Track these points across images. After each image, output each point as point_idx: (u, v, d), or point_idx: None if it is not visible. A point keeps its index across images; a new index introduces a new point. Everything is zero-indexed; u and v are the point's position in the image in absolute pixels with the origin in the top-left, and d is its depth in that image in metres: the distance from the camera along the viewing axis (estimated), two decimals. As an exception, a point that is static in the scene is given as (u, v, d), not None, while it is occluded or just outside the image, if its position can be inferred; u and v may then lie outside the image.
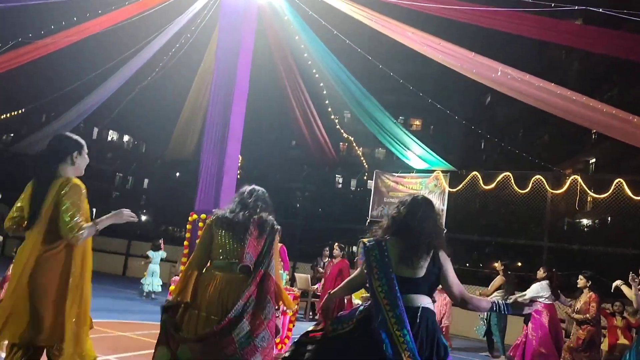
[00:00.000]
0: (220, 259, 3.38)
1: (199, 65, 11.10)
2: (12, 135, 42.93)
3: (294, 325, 6.90)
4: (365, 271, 2.98)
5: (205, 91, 10.76)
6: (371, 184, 13.90)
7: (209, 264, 3.49)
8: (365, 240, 3.07)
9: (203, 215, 7.42)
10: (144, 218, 43.24)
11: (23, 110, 17.13)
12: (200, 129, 12.21)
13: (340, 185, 38.74)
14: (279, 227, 3.59)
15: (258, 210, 3.51)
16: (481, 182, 11.29)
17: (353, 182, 37.19)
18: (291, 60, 9.81)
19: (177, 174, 45.98)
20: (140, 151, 52.77)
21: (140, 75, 12.01)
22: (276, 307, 3.50)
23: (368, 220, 12.84)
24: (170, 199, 39.85)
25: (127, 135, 52.32)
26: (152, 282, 11.33)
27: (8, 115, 17.62)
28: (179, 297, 3.33)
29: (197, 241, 3.66)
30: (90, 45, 12.55)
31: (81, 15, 9.25)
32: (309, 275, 11.66)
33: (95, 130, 44.60)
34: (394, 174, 12.70)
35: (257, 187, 3.70)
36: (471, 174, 11.45)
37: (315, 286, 10.95)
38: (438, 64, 8.57)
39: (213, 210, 7.17)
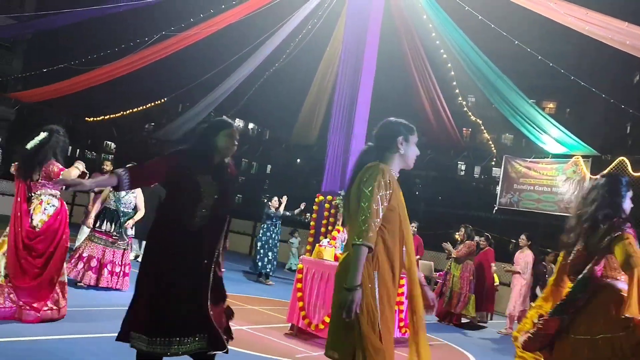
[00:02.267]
0: None
1: (324, 51, 11.26)
2: (152, 123, 47.16)
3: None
4: None
5: (330, 76, 10.88)
6: (497, 171, 13.18)
7: None
8: None
9: (329, 197, 7.54)
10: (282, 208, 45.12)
11: (164, 99, 18.67)
12: (325, 114, 12.44)
13: (462, 172, 37.41)
14: None
15: None
16: (630, 168, 10.16)
17: (477, 169, 35.67)
18: (418, 40, 9.57)
19: (299, 160, 47.53)
20: (264, 138, 55.30)
21: (266, 63, 12.49)
22: None
23: (495, 208, 12.22)
24: (292, 183, 41.36)
25: (252, 123, 55.07)
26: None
27: (151, 104, 19.35)
28: None
29: None
30: (223, 36, 13.27)
31: (217, 7, 9.81)
32: (432, 263, 11.42)
33: (223, 118, 47.45)
34: (525, 159, 11.91)
35: None
36: (618, 159, 10.35)
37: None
38: (578, 41, 7.88)
39: (339, 191, 7.29)
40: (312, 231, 7.81)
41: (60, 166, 4.84)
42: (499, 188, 12.37)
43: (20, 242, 4.65)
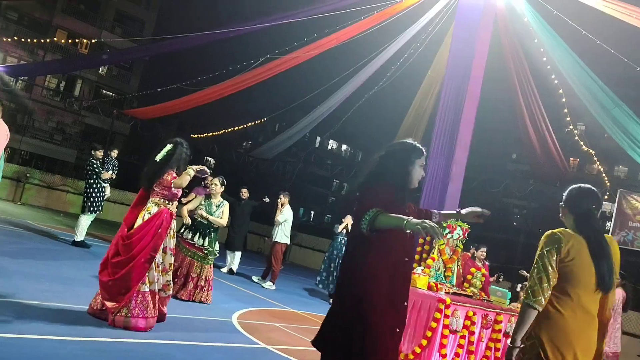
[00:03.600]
0: None
1: (424, 75, 11.12)
2: (250, 142, 49.14)
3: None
4: None
5: (430, 99, 10.71)
6: (609, 206, 12.16)
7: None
8: None
9: (425, 223, 7.34)
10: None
11: (264, 119, 19.37)
12: (422, 138, 12.24)
13: (567, 205, 34.97)
14: None
15: None
16: None
17: (584, 202, 33.21)
18: (526, 64, 9.16)
19: (391, 183, 47.08)
20: (357, 159, 55.61)
21: (364, 86, 12.55)
22: None
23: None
24: (382, 207, 41.05)
25: (345, 145, 55.65)
26: None
27: (251, 124, 20.16)
28: None
29: None
30: (325, 60, 13.58)
31: (320, 31, 10.05)
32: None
33: (318, 139, 48.49)
34: (644, 194, 10.90)
35: None
36: None
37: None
38: None
39: (437, 217, 7.08)
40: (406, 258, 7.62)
41: (174, 175, 5.08)
42: (610, 224, 11.39)
43: (117, 243, 4.93)
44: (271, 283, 10.26)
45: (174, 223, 5.22)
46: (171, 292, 5.22)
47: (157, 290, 4.94)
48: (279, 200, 10.56)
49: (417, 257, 7.34)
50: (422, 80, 11.03)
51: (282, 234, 10.47)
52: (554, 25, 8.11)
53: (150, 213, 5.00)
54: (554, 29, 8.16)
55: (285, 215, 10.49)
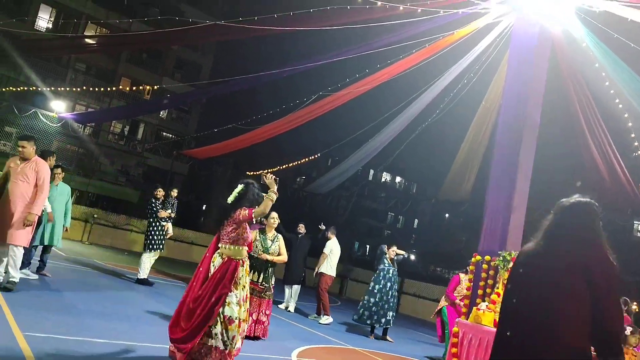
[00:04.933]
0: None
1: (478, 104, 10.96)
2: (303, 177, 49.70)
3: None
4: None
5: (486, 129, 10.51)
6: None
7: None
8: None
9: (487, 257, 7.08)
10: (412, 257, 44.52)
11: (318, 155, 19.57)
12: (478, 169, 11.97)
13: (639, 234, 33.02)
14: None
15: None
16: None
17: (659, 230, 31.26)
18: (587, 89, 8.85)
19: (447, 215, 46.11)
20: (411, 192, 54.96)
21: (417, 119, 12.50)
22: None
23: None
24: (439, 238, 40.18)
25: (399, 177, 55.22)
26: None
27: (305, 160, 20.42)
28: None
29: None
30: (376, 93, 13.68)
31: (372, 67, 10.17)
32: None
33: (371, 172, 48.41)
34: None
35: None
36: None
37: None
38: None
39: (499, 251, 6.82)
40: (468, 292, 7.36)
41: (247, 209, 4.82)
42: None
43: (189, 296, 4.69)
44: (327, 316, 10.14)
45: (242, 272, 4.84)
46: (238, 346, 4.73)
47: (222, 347, 4.57)
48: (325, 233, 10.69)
49: (480, 292, 7.08)
50: (476, 110, 10.87)
51: (328, 266, 10.47)
52: (615, 49, 7.84)
53: (215, 266, 4.75)
54: (615, 52, 7.88)
55: (330, 246, 10.52)
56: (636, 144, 9.31)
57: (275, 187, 4.93)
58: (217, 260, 4.79)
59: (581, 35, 7.86)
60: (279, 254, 7.48)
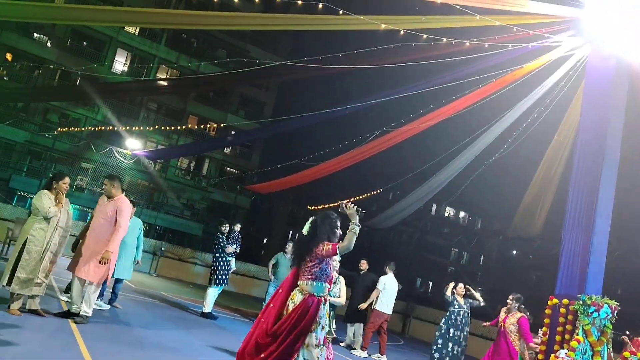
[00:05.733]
0: None
1: (550, 139, 10.55)
2: (364, 211, 49.34)
3: None
4: None
5: (558, 165, 10.06)
6: None
7: None
8: None
9: (565, 301, 6.65)
10: (477, 295, 42.66)
11: (380, 190, 19.43)
12: (550, 205, 11.43)
13: None
14: None
15: None
16: None
17: None
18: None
19: (515, 252, 44.14)
20: (476, 227, 53.23)
21: (483, 154, 12.16)
22: None
23: None
24: (508, 276, 38.37)
25: (463, 212, 53.76)
26: None
27: (367, 195, 20.31)
28: None
29: None
30: (441, 127, 13.47)
31: (436, 102, 10.06)
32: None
33: (434, 206, 47.44)
34: None
35: None
36: None
37: None
38: None
39: (578, 295, 6.39)
40: (545, 338, 6.92)
41: (329, 243, 4.52)
42: None
43: (255, 332, 4.45)
44: (379, 354, 9.89)
45: (324, 310, 4.47)
46: None
47: None
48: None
49: (558, 338, 6.64)
50: (548, 144, 10.45)
51: (380, 302, 10.18)
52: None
53: (294, 302, 4.42)
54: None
55: (384, 281, 10.24)
56: None
57: (357, 219, 4.55)
58: (297, 297, 4.43)
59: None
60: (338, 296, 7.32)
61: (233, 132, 32.26)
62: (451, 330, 9.16)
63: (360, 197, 20.41)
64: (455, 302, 9.34)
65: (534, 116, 10.03)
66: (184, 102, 35.02)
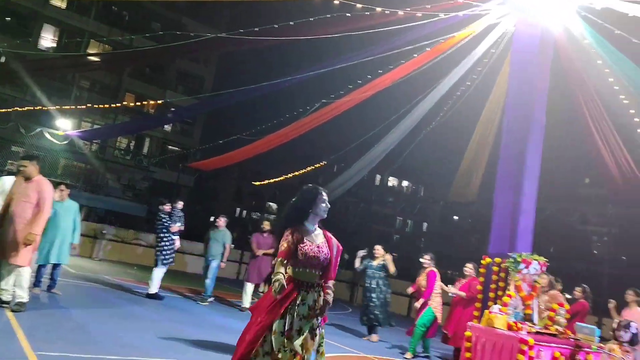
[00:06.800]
0: None
1: (482, 107, 10.93)
2: (310, 185, 49.58)
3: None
4: None
5: (491, 131, 10.48)
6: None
7: None
8: None
9: (498, 259, 7.02)
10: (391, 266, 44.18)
11: (324, 163, 19.56)
12: (485, 171, 11.91)
13: (654, 228, 32.58)
14: None
15: None
16: None
17: (673, 223, 30.86)
18: (592, 87, 8.80)
19: (456, 217, 45.87)
20: (419, 195, 54.79)
21: (421, 123, 12.46)
22: None
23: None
24: (449, 241, 39.99)
25: (406, 181, 55.10)
26: None
27: (311, 168, 20.40)
28: None
29: None
30: (379, 99, 13.65)
31: (374, 72, 10.16)
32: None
33: (378, 177, 48.34)
34: None
35: None
36: None
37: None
38: None
39: (509, 252, 6.76)
40: (480, 296, 7.29)
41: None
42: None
43: None
44: None
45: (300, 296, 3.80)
46: None
47: None
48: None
49: (491, 294, 7.02)
50: (481, 111, 10.83)
51: None
52: (617, 44, 7.79)
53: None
54: (618, 48, 7.84)
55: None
56: (644, 138, 9.24)
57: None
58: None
59: (583, 33, 7.82)
60: None
61: (173, 109, 31.38)
62: (373, 296, 9.58)
63: (305, 169, 20.50)
64: (369, 269, 9.74)
65: (467, 84, 10.36)
66: (119, 80, 33.64)
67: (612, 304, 8.73)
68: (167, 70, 36.37)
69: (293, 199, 4.16)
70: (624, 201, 12.52)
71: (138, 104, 20.34)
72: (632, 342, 5.49)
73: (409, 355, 8.50)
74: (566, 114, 10.45)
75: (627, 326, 5.54)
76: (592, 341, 5.95)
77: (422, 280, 8.91)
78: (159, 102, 18.35)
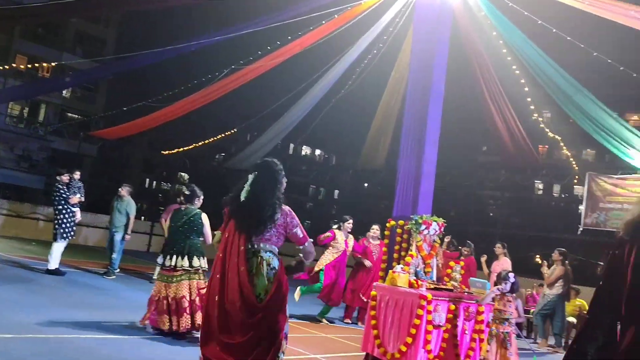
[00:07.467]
0: None
1: (390, 75, 11.21)
2: (223, 154, 48.86)
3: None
4: None
5: (396, 99, 10.81)
6: (579, 189, 12.46)
7: None
8: None
9: (401, 222, 7.36)
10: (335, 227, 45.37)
11: (235, 130, 19.26)
12: (392, 138, 12.33)
13: (540, 192, 35.50)
14: None
15: None
16: None
17: (556, 188, 33.85)
18: (487, 57, 9.31)
19: (366, 184, 47.28)
20: (331, 163, 55.75)
21: (331, 91, 12.58)
22: None
23: (580, 229, 11.46)
24: (360, 208, 41.29)
25: (318, 149, 55.75)
26: None
27: (222, 136, 20.03)
28: None
29: None
30: (289, 66, 13.55)
31: (283, 39, 10.06)
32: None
33: (291, 146, 48.49)
34: (612, 176, 11.17)
35: None
36: None
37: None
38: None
39: (411, 215, 7.11)
40: (384, 257, 7.64)
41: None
42: (582, 207, 11.64)
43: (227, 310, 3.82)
44: None
45: None
46: None
47: None
48: None
49: (395, 255, 7.38)
50: (387, 80, 11.12)
51: None
52: (511, 16, 8.29)
53: (273, 267, 3.91)
54: (511, 20, 8.34)
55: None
56: (532, 107, 9.99)
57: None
58: (274, 261, 3.99)
59: (478, 4, 8.22)
60: None
61: (71, 73, 29.19)
62: None
63: (217, 137, 20.08)
64: None
65: (374, 52, 10.56)
66: (8, 40, 30.65)
67: (483, 257, 9.90)
68: (64, 31, 33.66)
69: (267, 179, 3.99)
70: (514, 167, 13.54)
71: (30, 66, 18.72)
72: (512, 290, 6.07)
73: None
74: (465, 85, 11.03)
75: (505, 277, 6.08)
76: (484, 293, 6.48)
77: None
78: (54, 64, 16.96)
